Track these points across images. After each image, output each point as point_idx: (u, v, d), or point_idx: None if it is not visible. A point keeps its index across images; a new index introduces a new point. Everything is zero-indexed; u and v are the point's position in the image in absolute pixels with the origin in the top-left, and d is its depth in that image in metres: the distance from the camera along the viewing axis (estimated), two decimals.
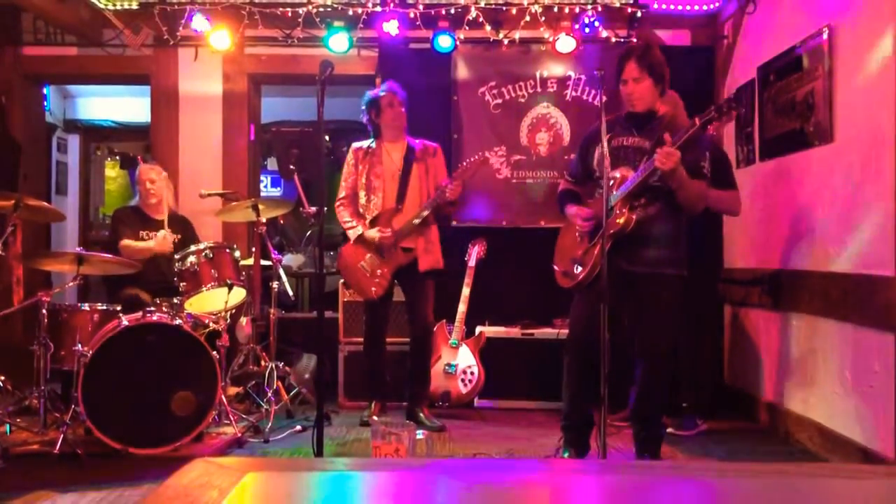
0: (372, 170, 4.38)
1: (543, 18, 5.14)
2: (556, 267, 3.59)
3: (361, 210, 4.40)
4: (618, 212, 3.27)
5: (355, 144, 4.52)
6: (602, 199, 3.34)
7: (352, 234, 4.38)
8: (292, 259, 7.06)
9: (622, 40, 5.23)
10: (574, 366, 3.47)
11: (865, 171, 3.52)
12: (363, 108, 4.45)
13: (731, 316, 5.03)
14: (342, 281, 4.81)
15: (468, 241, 4.88)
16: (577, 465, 2.25)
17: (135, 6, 5.25)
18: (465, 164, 4.36)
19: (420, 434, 3.48)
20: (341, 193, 4.47)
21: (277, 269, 4.56)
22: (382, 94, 4.40)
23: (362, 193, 4.40)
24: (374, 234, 4.30)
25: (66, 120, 7.70)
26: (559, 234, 3.65)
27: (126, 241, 4.50)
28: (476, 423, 4.59)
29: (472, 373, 4.70)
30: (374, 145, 4.44)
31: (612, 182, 3.33)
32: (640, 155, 3.29)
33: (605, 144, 3.07)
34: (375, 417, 4.39)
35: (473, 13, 5.10)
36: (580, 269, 3.38)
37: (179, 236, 4.65)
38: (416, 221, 4.27)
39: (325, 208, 4.46)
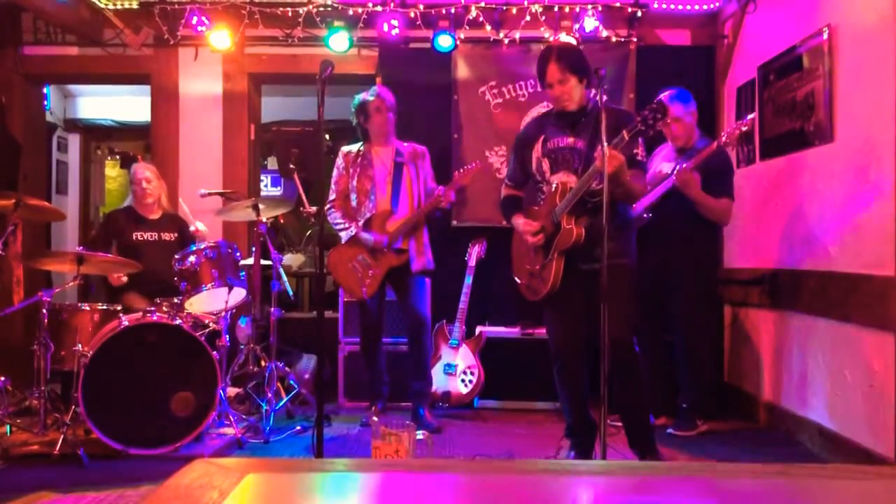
0: (363, 173, 4.40)
1: (544, 18, 5.14)
2: (517, 280, 3.59)
3: (353, 213, 4.42)
4: (566, 226, 3.27)
5: (344, 148, 4.55)
6: (545, 208, 3.37)
7: (345, 236, 4.40)
8: (292, 259, 7.07)
9: (622, 40, 5.23)
10: (565, 375, 3.47)
11: (865, 170, 3.52)
12: (352, 111, 4.47)
13: (731, 316, 5.03)
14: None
15: (468, 241, 4.88)
16: (577, 466, 2.25)
17: (135, 6, 5.26)
18: (461, 171, 4.36)
19: (420, 434, 3.48)
20: (331, 196, 4.49)
21: (278, 268, 4.56)
22: (371, 98, 4.41)
23: (353, 196, 4.42)
24: (367, 238, 4.31)
25: (67, 119, 7.70)
26: (512, 243, 3.64)
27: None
28: (476, 423, 4.59)
29: (472, 373, 4.70)
30: (363, 149, 4.46)
31: (553, 188, 3.34)
32: (576, 156, 3.30)
33: (606, 150, 3.05)
34: (375, 418, 4.39)
35: (474, 13, 5.10)
36: (542, 283, 3.39)
37: (176, 235, 4.65)
38: (405, 232, 4.31)
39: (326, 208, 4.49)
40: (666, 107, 3.04)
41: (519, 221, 3.50)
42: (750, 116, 4.24)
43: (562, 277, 3.32)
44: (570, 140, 3.35)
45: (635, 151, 3.27)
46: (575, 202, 3.25)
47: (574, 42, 5.00)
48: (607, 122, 3.21)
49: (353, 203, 4.43)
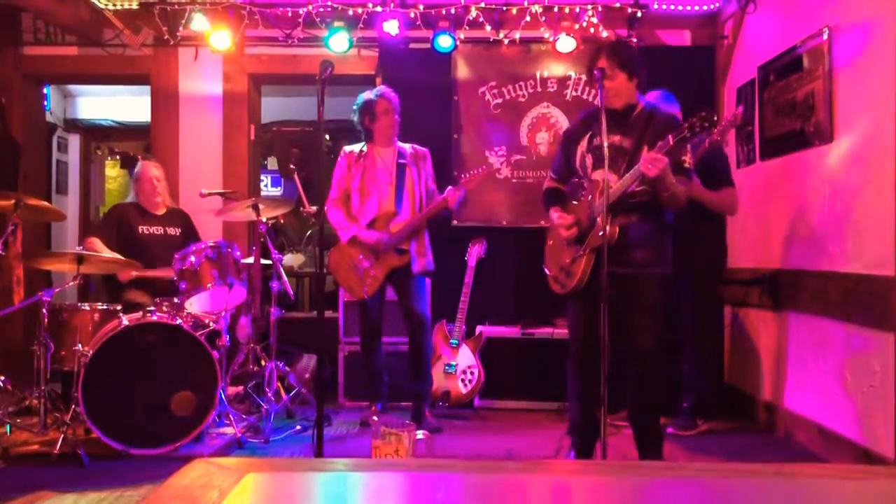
0: (365, 174, 4.39)
1: (544, 18, 5.14)
2: (547, 272, 3.58)
3: (354, 213, 4.42)
4: (601, 224, 3.24)
5: (346, 148, 4.54)
6: (584, 204, 3.35)
7: (344, 236, 4.39)
8: (292, 259, 7.06)
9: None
10: (579, 372, 3.46)
11: (865, 171, 3.52)
12: (355, 109, 4.46)
13: (731, 316, 5.03)
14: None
15: (468, 241, 4.88)
16: (577, 466, 2.25)
17: (135, 6, 5.25)
18: (469, 174, 4.35)
19: (420, 434, 3.48)
20: (332, 195, 4.48)
21: (278, 268, 4.56)
22: (376, 99, 4.39)
23: (356, 197, 4.41)
24: (368, 236, 4.31)
25: (67, 119, 7.70)
26: (547, 236, 3.63)
27: (95, 240, 4.45)
28: (476, 423, 4.59)
29: (472, 373, 4.70)
30: (365, 149, 4.46)
31: (591, 185, 3.32)
32: (621, 155, 3.27)
33: (606, 147, 3.05)
34: (375, 418, 4.39)
35: (473, 13, 5.10)
36: (569, 278, 3.38)
37: (180, 230, 4.66)
38: (407, 234, 4.31)
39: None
40: (714, 115, 3.02)
41: (554, 214, 3.49)
42: (736, 113, 4.24)
43: (589, 275, 3.30)
44: (616, 139, 3.30)
45: (683, 158, 3.22)
46: (614, 201, 3.21)
47: (574, 42, 5.02)
48: (657, 125, 3.22)
49: (355, 203, 4.43)
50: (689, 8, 5.18)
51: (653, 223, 3.29)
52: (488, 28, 5.20)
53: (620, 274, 3.19)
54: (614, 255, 3.21)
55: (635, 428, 3.48)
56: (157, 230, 4.61)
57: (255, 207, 4.37)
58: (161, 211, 4.70)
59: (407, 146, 4.49)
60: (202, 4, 5.17)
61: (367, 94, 4.45)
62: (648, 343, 3.30)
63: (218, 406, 3.79)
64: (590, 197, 3.32)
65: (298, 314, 6.25)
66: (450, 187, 4.33)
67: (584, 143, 3.43)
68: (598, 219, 3.23)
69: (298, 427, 4.27)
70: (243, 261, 4.41)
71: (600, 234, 3.20)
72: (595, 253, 3.27)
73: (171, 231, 4.65)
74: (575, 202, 3.46)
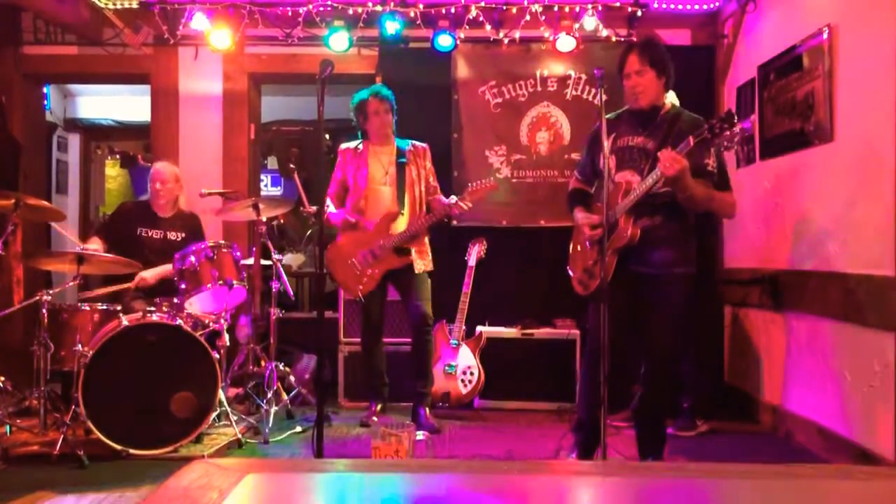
0: (359, 172, 4.39)
1: (544, 17, 5.14)
2: (570, 273, 3.57)
3: (353, 212, 4.41)
4: (623, 225, 3.23)
5: (343, 145, 4.53)
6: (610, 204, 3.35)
7: (336, 219, 4.36)
8: (292, 259, 7.07)
9: (622, 39, 5.23)
10: (593, 373, 3.44)
11: (865, 170, 3.52)
12: (351, 108, 4.46)
13: (731, 316, 5.02)
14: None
15: (468, 241, 4.88)
16: (577, 466, 2.25)
17: (135, 5, 5.25)
18: (474, 185, 4.33)
19: (420, 435, 3.48)
20: (330, 190, 4.49)
21: (278, 268, 4.56)
22: (369, 99, 4.39)
23: (354, 197, 4.41)
24: (368, 237, 4.31)
25: (67, 119, 7.70)
26: (572, 237, 3.61)
27: (94, 239, 4.50)
28: (476, 423, 4.59)
29: (472, 373, 4.70)
30: (361, 147, 4.45)
31: (614, 187, 3.31)
32: (644, 156, 3.26)
33: (607, 148, 3.06)
34: (375, 418, 4.39)
35: (474, 12, 5.10)
36: (592, 279, 3.37)
37: (184, 234, 4.63)
38: (406, 239, 4.31)
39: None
40: (734, 117, 3.01)
41: (579, 215, 3.48)
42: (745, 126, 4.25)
43: (612, 275, 3.29)
44: (640, 140, 3.30)
45: (706, 161, 3.20)
46: (636, 202, 3.20)
47: (574, 42, 5.02)
48: (681, 126, 3.21)
49: (352, 201, 4.41)
50: (689, 7, 5.19)
51: (676, 223, 3.28)
52: (488, 27, 5.20)
53: (644, 274, 3.19)
54: (638, 255, 3.21)
55: (639, 428, 3.47)
56: (156, 234, 4.58)
57: (255, 207, 4.36)
58: (167, 214, 4.65)
59: (406, 143, 4.48)
60: (202, 3, 5.17)
61: (361, 94, 4.44)
62: (667, 343, 3.30)
63: (218, 407, 3.79)
64: (616, 198, 3.31)
65: (298, 314, 6.26)
66: (454, 198, 4.30)
67: (608, 145, 3.42)
68: (620, 220, 3.23)
69: (298, 428, 4.27)
70: (243, 261, 4.40)
71: (627, 234, 3.20)
72: (617, 254, 3.27)
73: (173, 235, 4.60)
74: (599, 203, 3.44)
